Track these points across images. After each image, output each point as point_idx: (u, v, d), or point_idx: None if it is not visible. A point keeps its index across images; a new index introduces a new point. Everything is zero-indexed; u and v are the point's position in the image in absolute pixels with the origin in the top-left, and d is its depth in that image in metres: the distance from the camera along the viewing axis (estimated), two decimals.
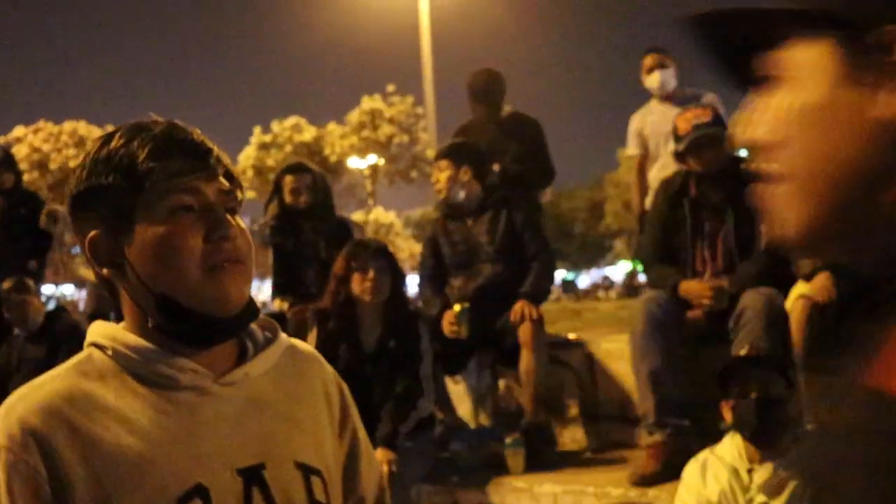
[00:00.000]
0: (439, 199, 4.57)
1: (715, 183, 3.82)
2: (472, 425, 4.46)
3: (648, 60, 5.54)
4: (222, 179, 1.12)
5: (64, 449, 1.03)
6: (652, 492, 3.41)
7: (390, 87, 29.75)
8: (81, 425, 1.05)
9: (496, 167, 4.89)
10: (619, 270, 38.51)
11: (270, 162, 28.24)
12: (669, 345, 3.67)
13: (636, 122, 5.69)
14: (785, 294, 3.54)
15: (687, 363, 3.73)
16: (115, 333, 1.13)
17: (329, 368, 1.30)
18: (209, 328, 1.11)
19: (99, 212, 1.10)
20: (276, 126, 29.98)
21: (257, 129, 30.03)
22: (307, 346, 1.31)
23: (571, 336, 4.67)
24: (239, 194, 1.14)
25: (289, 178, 5.01)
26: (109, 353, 1.11)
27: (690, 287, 3.77)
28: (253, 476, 1.11)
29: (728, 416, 2.89)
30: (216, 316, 1.10)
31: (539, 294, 4.28)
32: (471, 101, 5.36)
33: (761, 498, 2.76)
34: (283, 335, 1.24)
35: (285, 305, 4.87)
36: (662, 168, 5.23)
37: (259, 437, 1.13)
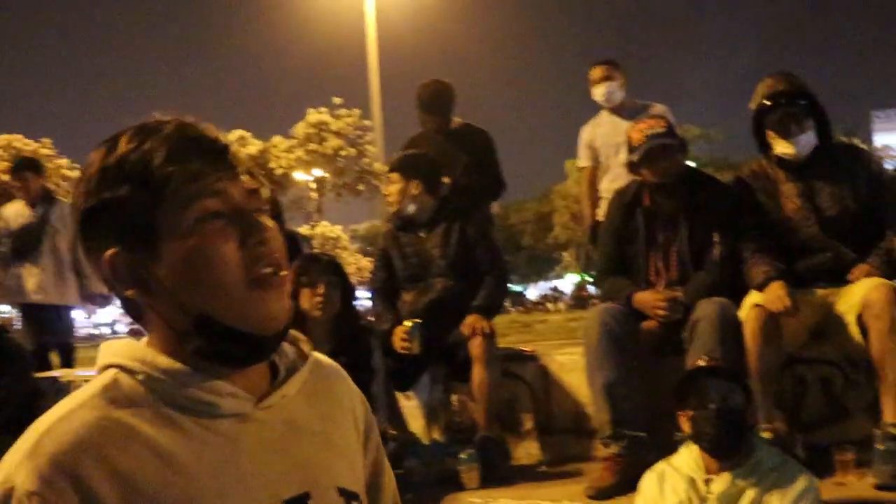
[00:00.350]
0: (391, 212, 4.51)
1: (668, 193, 3.82)
2: (426, 441, 4.39)
3: (596, 73, 5.57)
4: (245, 178, 1.02)
5: (102, 490, 0.91)
6: None
7: (337, 100, 29.61)
8: (118, 462, 0.93)
9: (446, 179, 4.85)
10: (567, 282, 38.86)
11: None
12: (624, 356, 3.64)
13: (586, 134, 5.70)
14: (738, 304, 3.55)
15: (642, 374, 3.71)
16: (145, 354, 1.01)
17: (351, 382, 1.22)
18: (252, 348, 1.01)
19: (115, 228, 0.99)
20: None
21: None
22: (329, 360, 1.21)
23: (525, 349, 4.63)
24: (264, 192, 1.04)
25: None
26: (140, 377, 1.00)
27: (644, 298, 3.76)
28: None
29: (686, 426, 2.88)
30: (260, 335, 1.00)
31: (491, 308, 4.24)
32: (420, 113, 5.30)
33: None
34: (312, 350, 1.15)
35: None
36: (613, 179, 5.24)
37: (301, 464, 1.05)
